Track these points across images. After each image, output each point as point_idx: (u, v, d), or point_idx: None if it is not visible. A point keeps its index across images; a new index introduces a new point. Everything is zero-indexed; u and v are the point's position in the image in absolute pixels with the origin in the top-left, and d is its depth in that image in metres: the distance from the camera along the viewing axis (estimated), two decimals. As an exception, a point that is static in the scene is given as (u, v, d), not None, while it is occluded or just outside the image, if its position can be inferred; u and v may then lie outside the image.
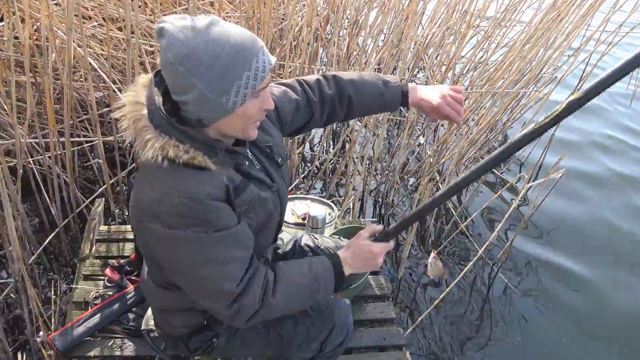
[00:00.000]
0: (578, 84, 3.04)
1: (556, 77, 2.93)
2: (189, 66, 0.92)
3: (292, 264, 1.14)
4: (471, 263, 2.21)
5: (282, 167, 1.22)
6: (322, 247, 1.45)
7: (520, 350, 2.29)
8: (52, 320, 1.97)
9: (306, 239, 1.48)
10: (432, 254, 1.86)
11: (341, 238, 1.56)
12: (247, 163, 1.11)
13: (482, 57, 3.56)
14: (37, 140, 2.26)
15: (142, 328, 1.39)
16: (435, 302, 2.15)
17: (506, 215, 2.22)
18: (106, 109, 2.71)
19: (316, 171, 3.31)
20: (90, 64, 2.29)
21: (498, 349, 2.30)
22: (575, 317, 2.47)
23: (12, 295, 2.16)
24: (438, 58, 3.75)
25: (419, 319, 2.23)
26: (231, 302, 1.03)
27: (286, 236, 1.54)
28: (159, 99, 0.99)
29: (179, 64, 0.92)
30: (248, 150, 1.13)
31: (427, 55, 3.97)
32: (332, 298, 1.35)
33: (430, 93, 1.27)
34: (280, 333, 1.28)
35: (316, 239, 1.49)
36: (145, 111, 0.99)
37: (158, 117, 0.98)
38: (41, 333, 1.82)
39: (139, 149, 0.98)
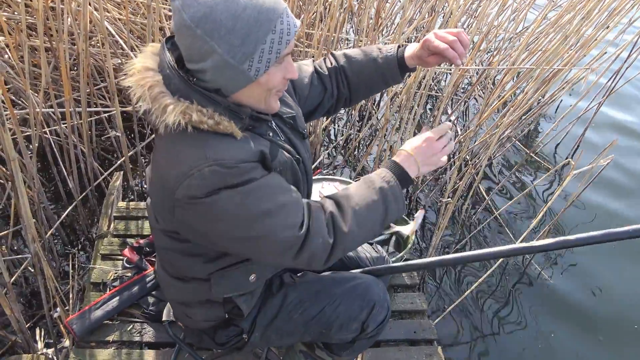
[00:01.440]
0: (625, 60, 2.81)
1: (606, 52, 2.69)
2: (207, 28, 0.83)
3: (350, 188, 1.03)
4: (507, 253, 2.07)
5: (306, 139, 1.15)
6: None
7: (552, 345, 2.18)
8: (70, 296, 1.92)
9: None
10: (422, 211, 1.92)
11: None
12: (270, 134, 1.02)
13: (516, 27, 3.32)
14: (53, 109, 2.16)
15: (164, 319, 1.31)
16: (466, 293, 2.05)
17: (548, 204, 2.06)
18: (124, 77, 2.59)
19: (342, 148, 3.17)
20: (107, 29, 2.15)
21: (529, 343, 2.19)
22: (617, 314, 2.33)
23: (30, 268, 2.11)
24: (471, 27, 3.53)
25: (449, 309, 2.13)
26: (298, 250, 0.95)
27: None
28: (173, 64, 0.89)
29: (196, 27, 0.83)
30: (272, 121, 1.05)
31: (460, 24, 3.73)
32: (366, 276, 1.26)
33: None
34: (319, 317, 1.20)
35: None
36: (159, 77, 0.90)
37: (176, 81, 0.89)
38: (58, 309, 1.77)
39: (157, 116, 0.88)
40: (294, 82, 1.21)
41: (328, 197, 1.03)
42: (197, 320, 1.19)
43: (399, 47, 1.21)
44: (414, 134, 3.05)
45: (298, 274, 1.28)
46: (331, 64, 1.27)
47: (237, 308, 1.14)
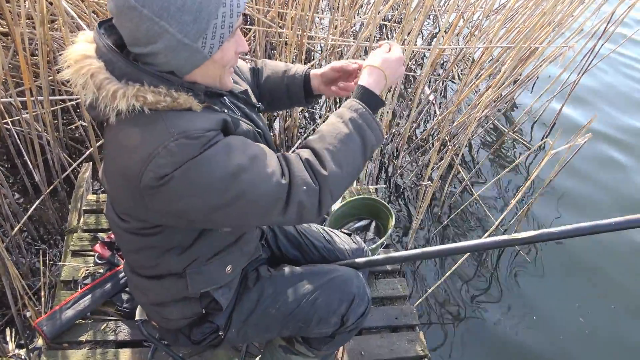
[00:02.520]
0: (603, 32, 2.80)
1: (582, 29, 2.68)
2: (154, 8, 0.78)
3: (322, 128, 0.99)
4: (487, 234, 2.08)
5: (261, 113, 1.14)
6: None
7: (533, 324, 2.22)
8: (42, 294, 1.85)
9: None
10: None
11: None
12: (225, 110, 0.98)
13: (493, 5, 3.28)
14: (12, 99, 2.04)
15: (137, 318, 1.26)
16: (446, 275, 2.04)
17: (527, 183, 2.06)
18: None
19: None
20: (67, 11, 2.03)
21: (511, 323, 2.22)
22: (596, 288, 2.37)
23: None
24: (448, 5, 3.48)
25: (428, 292, 2.13)
26: (284, 203, 0.90)
27: None
28: (114, 48, 0.83)
29: (142, 6, 0.78)
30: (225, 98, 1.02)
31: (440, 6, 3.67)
32: (345, 269, 1.23)
33: None
34: (297, 312, 1.16)
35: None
36: (100, 63, 0.83)
37: (120, 65, 0.83)
38: (29, 308, 1.71)
39: (105, 105, 0.82)
40: (241, 68, 1.22)
41: (301, 146, 1.00)
42: (174, 319, 1.14)
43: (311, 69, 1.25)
44: (393, 113, 3.01)
45: (275, 267, 1.24)
46: (253, 65, 1.29)
47: (215, 302, 1.11)
